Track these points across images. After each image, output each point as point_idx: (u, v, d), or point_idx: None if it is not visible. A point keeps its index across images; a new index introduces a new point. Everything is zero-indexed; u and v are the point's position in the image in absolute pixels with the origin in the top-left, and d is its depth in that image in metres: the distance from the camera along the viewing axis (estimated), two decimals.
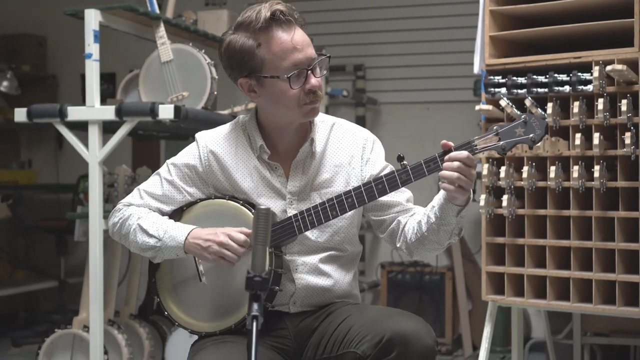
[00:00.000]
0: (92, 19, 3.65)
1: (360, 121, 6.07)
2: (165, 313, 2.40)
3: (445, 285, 5.58)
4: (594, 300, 3.36)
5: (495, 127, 2.20)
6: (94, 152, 3.66)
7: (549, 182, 3.39)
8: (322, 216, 2.28)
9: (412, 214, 2.39)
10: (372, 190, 2.25)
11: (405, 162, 2.24)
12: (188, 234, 2.29)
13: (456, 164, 2.14)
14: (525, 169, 3.44)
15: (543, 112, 3.41)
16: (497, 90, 3.55)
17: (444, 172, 2.16)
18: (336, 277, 2.39)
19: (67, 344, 3.86)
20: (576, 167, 3.32)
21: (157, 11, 3.94)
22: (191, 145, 2.44)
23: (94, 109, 3.66)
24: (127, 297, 4.31)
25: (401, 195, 2.40)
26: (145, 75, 3.92)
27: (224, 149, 2.39)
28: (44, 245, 6.33)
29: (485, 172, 3.54)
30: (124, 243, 2.43)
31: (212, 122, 3.72)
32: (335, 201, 2.27)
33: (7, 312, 6.29)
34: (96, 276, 3.62)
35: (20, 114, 3.77)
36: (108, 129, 3.77)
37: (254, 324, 1.76)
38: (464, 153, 2.15)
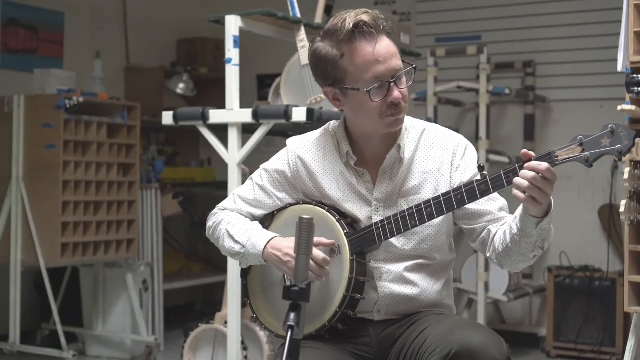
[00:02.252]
0: (233, 24, 3.77)
1: (529, 119, 5.89)
2: (254, 316, 2.45)
3: (617, 291, 5.30)
4: None
5: (579, 137, 2.07)
6: (233, 154, 3.77)
7: None
8: (402, 225, 2.24)
9: (503, 223, 2.30)
10: (450, 200, 2.19)
11: (485, 172, 2.16)
12: (267, 243, 2.32)
13: (531, 174, 2.04)
14: None
15: None
16: None
17: (516, 179, 2.07)
18: (423, 286, 2.34)
19: (209, 339, 4.01)
20: None
21: (298, 15, 4.00)
22: (282, 150, 2.47)
23: (233, 112, 3.78)
24: None
25: (493, 204, 2.31)
26: (287, 79, 4.00)
27: (312, 154, 2.40)
28: None
29: (626, 175, 3.35)
30: (218, 246, 2.49)
31: None
32: (414, 210, 2.23)
33: (184, 304, 6.61)
34: (234, 273, 3.73)
35: (167, 117, 3.95)
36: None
37: (289, 333, 1.75)
38: (543, 165, 2.05)
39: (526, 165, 2.07)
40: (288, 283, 2.35)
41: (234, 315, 3.75)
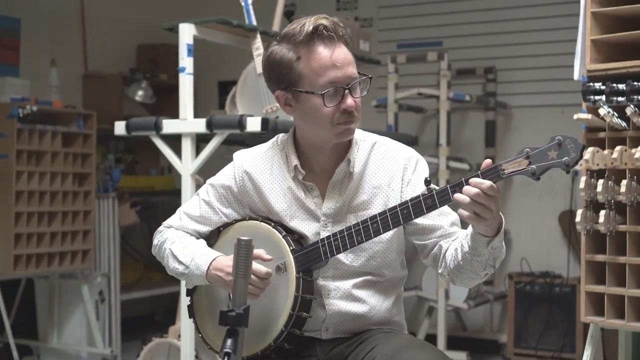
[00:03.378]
0: (187, 33, 3.70)
1: (490, 126, 5.87)
2: (200, 335, 2.38)
3: (577, 297, 5.29)
4: None
5: (525, 150, 2.03)
6: (186, 164, 3.70)
7: None
8: (348, 241, 2.19)
9: (455, 238, 2.25)
10: (397, 215, 2.14)
11: (432, 185, 2.11)
12: (210, 264, 2.26)
13: (473, 190, 1.99)
14: (624, 182, 3.19)
15: None
16: (596, 97, 3.31)
17: (457, 195, 2.02)
18: (372, 304, 2.28)
19: (163, 353, 3.94)
20: None
21: (254, 22, 3.93)
22: (228, 165, 2.41)
23: (187, 121, 3.71)
24: None
25: (444, 219, 2.26)
26: (243, 87, 3.94)
27: (259, 169, 2.34)
28: None
29: (582, 185, 3.32)
30: (164, 265, 2.43)
31: None
32: (360, 226, 2.18)
33: (144, 314, 6.51)
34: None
35: (119, 127, 3.88)
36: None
37: None
38: (482, 181, 2.00)
39: (470, 180, 2.02)
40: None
41: (187, 329, 3.68)
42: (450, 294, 5.37)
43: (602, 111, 3.24)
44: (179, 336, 3.86)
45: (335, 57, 2.19)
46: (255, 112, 3.82)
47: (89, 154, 5.20)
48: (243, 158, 2.38)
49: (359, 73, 2.25)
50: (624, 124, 3.25)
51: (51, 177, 4.97)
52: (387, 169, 2.31)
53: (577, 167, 3.32)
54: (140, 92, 6.26)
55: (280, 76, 2.24)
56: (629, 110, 3.18)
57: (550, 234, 5.72)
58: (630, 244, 3.26)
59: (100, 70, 6.28)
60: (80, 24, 6.26)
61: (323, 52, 2.19)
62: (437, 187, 2.11)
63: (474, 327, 5.98)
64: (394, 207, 2.15)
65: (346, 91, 2.20)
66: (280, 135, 2.40)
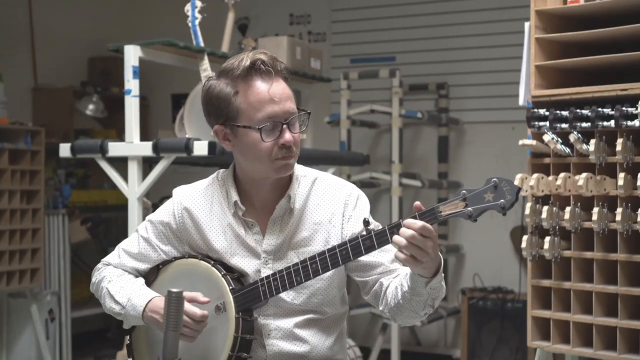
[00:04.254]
0: (132, 55, 3.66)
1: (443, 141, 5.89)
2: None
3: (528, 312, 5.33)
4: None
5: (462, 192, 2.03)
6: (133, 188, 3.67)
7: (593, 225, 3.15)
8: (287, 281, 2.17)
9: (396, 275, 2.24)
10: (336, 256, 2.13)
11: (371, 226, 2.10)
12: (146, 305, 2.23)
13: (409, 232, 1.98)
14: (568, 209, 3.21)
15: (589, 148, 3.18)
16: (541, 124, 3.34)
17: (395, 238, 2.01)
18: (313, 343, 2.27)
19: None
20: (619, 210, 3.07)
21: (201, 44, 3.91)
22: (168, 201, 2.38)
23: (133, 145, 3.67)
24: None
25: (385, 256, 2.25)
26: (190, 109, 3.91)
27: (199, 205, 2.32)
28: None
29: (527, 211, 3.33)
30: (102, 304, 2.40)
31: None
32: (300, 266, 2.16)
33: (96, 329, 6.44)
34: None
35: (64, 150, 3.83)
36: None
37: None
38: (417, 223, 1.99)
39: (404, 222, 2.02)
40: None
41: None
42: None
43: (547, 137, 3.27)
44: None
45: (273, 91, 2.18)
46: (203, 134, 3.79)
47: (37, 171, 5.14)
48: (182, 194, 2.35)
49: (298, 108, 2.24)
50: (567, 150, 3.27)
51: None
52: (328, 205, 2.29)
53: (523, 193, 3.35)
54: (91, 106, 6.19)
55: (218, 111, 2.23)
56: (572, 137, 3.21)
57: (501, 250, 5.76)
58: (575, 270, 3.28)
59: (50, 84, 6.20)
60: (29, 37, 6.18)
61: (261, 86, 2.18)
62: (375, 228, 2.10)
63: (428, 343, 6.00)
64: (333, 248, 2.13)
65: (284, 126, 2.18)
66: (221, 170, 2.38)
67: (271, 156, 2.18)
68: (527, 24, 3.43)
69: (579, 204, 3.24)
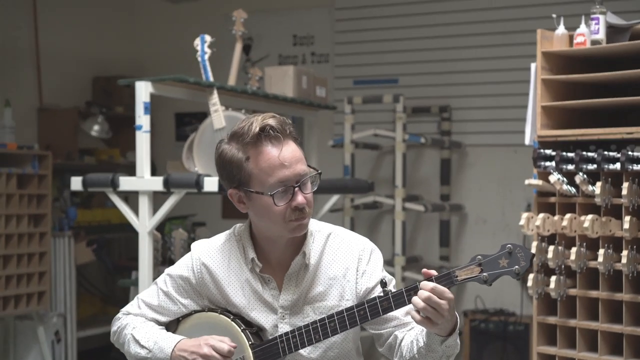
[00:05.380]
0: (143, 91, 3.71)
1: (445, 164, 5.94)
2: None
3: (530, 334, 5.39)
4: None
5: (478, 257, 2.08)
6: (143, 222, 3.71)
7: (599, 266, 3.21)
8: (306, 338, 2.23)
9: (410, 328, 2.30)
10: (354, 316, 2.18)
11: (388, 288, 2.16)
12: (175, 346, 2.29)
13: (425, 294, 2.04)
14: (574, 250, 3.27)
15: (594, 189, 3.24)
16: (547, 164, 3.40)
17: (414, 299, 2.07)
18: None
19: None
20: (625, 252, 3.13)
21: (211, 79, 3.95)
22: (186, 255, 2.42)
23: (144, 179, 3.72)
24: None
25: (399, 310, 2.31)
26: (200, 141, 3.95)
27: (217, 261, 2.37)
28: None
29: (534, 250, 3.39)
30: (123, 352, 2.44)
31: None
32: (319, 324, 2.21)
33: (99, 348, 6.48)
34: None
35: (76, 183, 3.87)
36: None
37: None
38: (430, 284, 2.05)
39: (420, 284, 2.07)
40: None
41: None
42: None
43: (553, 178, 3.33)
44: None
45: (283, 156, 2.22)
46: (212, 168, 3.83)
47: (44, 195, 5.19)
48: (200, 250, 2.40)
49: (308, 166, 2.28)
50: (573, 190, 3.33)
51: (6, 219, 4.94)
52: (342, 260, 2.34)
53: (529, 232, 3.41)
54: (96, 127, 6.24)
55: (231, 176, 2.28)
56: (578, 179, 3.27)
57: None
58: (580, 308, 3.35)
59: (55, 104, 6.24)
60: (34, 58, 6.22)
61: (271, 152, 2.22)
62: (392, 290, 2.15)
63: None
64: (351, 308, 2.19)
65: (296, 189, 2.23)
66: (237, 226, 2.43)
67: (285, 218, 2.23)
68: (533, 65, 3.49)
69: (584, 244, 3.29)
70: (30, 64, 6.22)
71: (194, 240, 4.15)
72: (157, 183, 3.69)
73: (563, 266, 3.34)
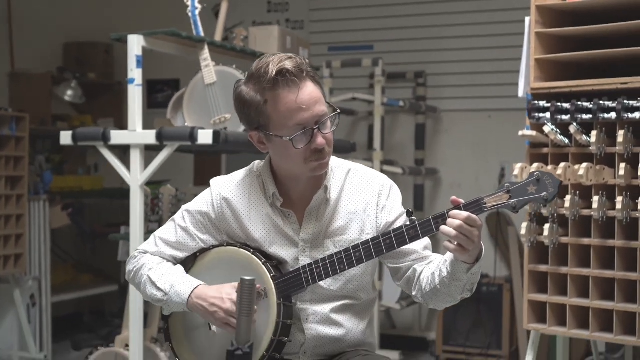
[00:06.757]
0: (135, 44, 3.68)
1: (421, 129, 6.00)
2: (177, 359, 2.41)
3: (504, 296, 5.49)
4: (638, 333, 3.25)
5: (506, 185, 2.13)
6: (135, 176, 3.69)
7: (592, 213, 3.28)
8: (330, 269, 2.25)
9: (429, 262, 2.34)
10: (380, 245, 2.21)
11: (414, 217, 2.19)
12: (192, 292, 2.29)
13: (457, 222, 2.08)
14: (568, 197, 3.33)
15: (588, 139, 3.30)
16: (541, 115, 3.45)
17: (443, 228, 2.11)
18: (349, 327, 2.35)
19: None
20: (620, 198, 3.20)
21: (202, 34, 3.94)
22: (205, 191, 2.43)
23: (136, 133, 3.69)
24: (149, 319, 4.17)
25: (418, 243, 2.34)
26: (190, 97, 3.94)
27: (237, 195, 2.38)
28: (108, 250, 6.44)
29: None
30: (139, 291, 2.44)
31: (253, 144, 3.71)
32: (343, 255, 2.24)
33: (72, 314, 6.44)
34: (136, 296, 3.65)
35: (65, 137, 3.83)
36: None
37: None
38: (463, 213, 2.09)
39: (451, 213, 2.11)
40: (212, 329, 2.33)
41: (136, 338, 3.67)
42: (383, 295, 5.49)
43: (547, 129, 3.38)
44: (126, 345, 3.86)
45: (300, 99, 2.22)
46: (202, 123, 3.84)
47: (21, 157, 5.12)
48: (221, 185, 2.41)
49: (328, 104, 2.30)
50: (567, 140, 3.39)
51: None
52: (362, 195, 2.37)
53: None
54: (69, 92, 6.17)
55: (250, 117, 2.29)
56: (572, 129, 3.33)
57: None
58: (572, 255, 3.41)
59: (27, 69, 6.16)
60: (6, 22, 6.12)
61: (288, 96, 2.21)
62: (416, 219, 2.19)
63: (403, 326, 6.13)
64: (377, 237, 2.21)
65: (315, 130, 2.24)
66: (256, 162, 2.44)
67: (305, 160, 2.25)
68: (527, 19, 3.53)
69: (577, 192, 3.36)
70: (2, 29, 6.12)
71: (181, 196, 4.15)
72: (149, 136, 3.66)
73: (556, 215, 3.40)
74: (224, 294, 2.24)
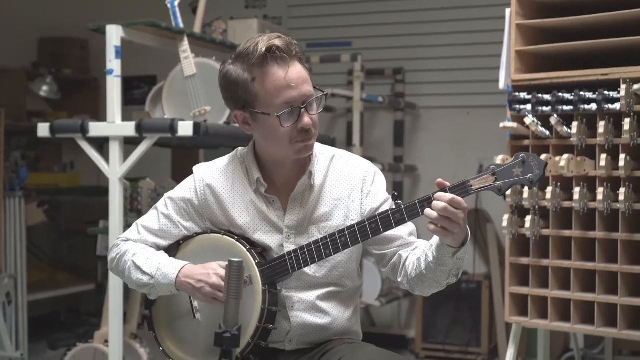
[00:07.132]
0: (114, 35, 3.65)
1: (399, 126, 5.99)
2: (160, 348, 2.38)
3: (482, 293, 5.50)
4: (619, 325, 3.26)
5: (492, 167, 2.12)
6: (114, 168, 3.66)
7: (573, 204, 3.29)
8: (316, 255, 2.23)
9: (414, 247, 2.32)
10: (365, 229, 2.19)
11: (399, 201, 2.18)
12: (179, 272, 2.26)
13: (441, 204, 2.06)
14: (550, 189, 3.34)
15: (569, 130, 3.31)
16: (522, 107, 3.46)
17: (427, 211, 2.09)
18: (334, 315, 2.34)
19: (88, 358, 3.87)
20: (601, 189, 3.21)
21: (181, 25, 3.91)
22: (188, 178, 2.41)
23: (115, 125, 3.66)
24: (128, 315, 4.11)
25: (403, 229, 2.33)
26: (169, 89, 3.91)
27: (221, 182, 2.35)
28: (85, 247, 6.39)
29: (508, 191, 3.45)
30: (122, 279, 2.41)
31: (233, 137, 3.70)
32: (329, 240, 2.22)
33: (48, 314, 6.37)
34: (115, 292, 3.62)
35: (43, 129, 3.78)
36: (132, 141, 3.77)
37: None
38: (448, 195, 2.07)
39: (436, 195, 2.10)
40: (195, 304, 2.30)
41: (115, 334, 3.64)
42: (363, 291, 5.47)
43: (528, 120, 3.39)
44: (105, 341, 3.81)
45: (289, 77, 2.21)
46: (182, 115, 3.80)
47: None
48: (204, 171, 2.39)
49: (314, 87, 2.29)
50: (547, 132, 3.40)
51: None
52: (347, 181, 2.36)
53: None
54: (45, 87, 6.10)
55: (236, 96, 2.26)
56: (553, 120, 3.34)
57: None
58: (553, 248, 3.42)
59: (2, 65, 6.08)
60: None
61: (277, 72, 2.21)
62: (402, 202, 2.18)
63: (382, 323, 6.11)
64: (362, 221, 2.20)
65: (302, 110, 2.23)
66: (239, 148, 2.42)
67: (291, 140, 2.23)
68: (508, 10, 3.54)
69: (558, 184, 3.37)
70: None
71: (161, 190, 4.12)
72: (129, 128, 3.63)
73: (537, 207, 3.41)
74: (210, 270, 2.23)
